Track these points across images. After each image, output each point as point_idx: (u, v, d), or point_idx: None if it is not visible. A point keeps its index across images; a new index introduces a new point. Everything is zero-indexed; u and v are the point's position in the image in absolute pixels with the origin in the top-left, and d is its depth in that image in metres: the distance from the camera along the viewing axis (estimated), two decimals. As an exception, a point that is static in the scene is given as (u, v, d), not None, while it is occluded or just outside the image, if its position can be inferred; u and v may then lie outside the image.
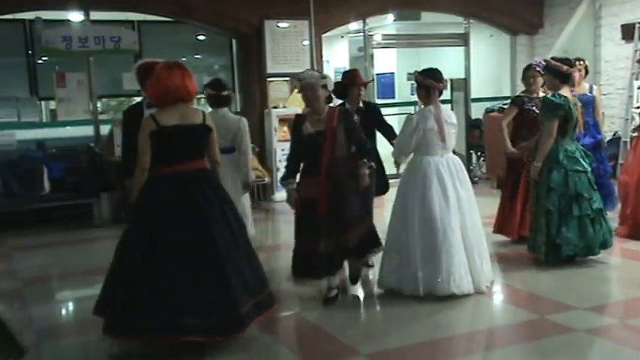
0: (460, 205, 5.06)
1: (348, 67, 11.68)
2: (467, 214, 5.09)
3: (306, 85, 4.84)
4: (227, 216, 4.26)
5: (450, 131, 5.16)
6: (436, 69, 5.27)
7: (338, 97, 5.81)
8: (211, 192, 4.25)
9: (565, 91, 5.68)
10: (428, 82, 5.12)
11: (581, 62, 7.26)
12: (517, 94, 7.46)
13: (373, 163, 5.15)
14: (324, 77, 4.91)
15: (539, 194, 5.71)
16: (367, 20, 10.97)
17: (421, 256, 4.97)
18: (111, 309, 4.09)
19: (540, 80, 6.34)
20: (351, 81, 5.81)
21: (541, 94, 6.39)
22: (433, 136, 5.06)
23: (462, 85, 11.04)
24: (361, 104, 5.86)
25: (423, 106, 5.23)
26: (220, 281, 4.05)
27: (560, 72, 5.70)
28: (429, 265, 4.94)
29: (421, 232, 5.00)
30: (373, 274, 5.90)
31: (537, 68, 6.40)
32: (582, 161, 5.67)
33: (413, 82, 12.92)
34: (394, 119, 12.56)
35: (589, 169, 5.71)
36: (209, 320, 3.97)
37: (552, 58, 5.97)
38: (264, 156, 9.85)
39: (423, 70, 5.24)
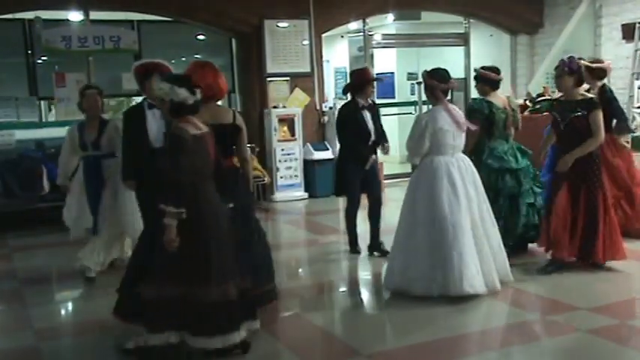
0: (471, 205, 5.06)
1: (348, 67, 11.70)
2: (478, 213, 5.10)
3: None
4: (246, 213, 4.46)
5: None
6: (442, 69, 5.30)
7: (347, 93, 6.54)
8: (238, 189, 4.41)
9: (494, 97, 5.97)
10: (430, 82, 5.17)
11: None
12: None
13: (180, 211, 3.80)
14: (161, 89, 3.96)
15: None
16: (367, 20, 10.95)
17: (432, 256, 4.96)
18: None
19: (569, 80, 5.52)
20: (364, 78, 6.27)
21: (579, 96, 5.59)
22: (443, 135, 5.06)
23: (462, 85, 11.02)
24: (370, 101, 6.35)
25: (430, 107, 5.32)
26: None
27: (489, 79, 6.04)
28: (440, 265, 4.94)
29: (431, 232, 4.99)
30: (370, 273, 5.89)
31: (565, 67, 5.56)
32: (511, 159, 5.88)
33: (412, 81, 13.04)
34: (394, 119, 12.60)
35: (522, 165, 5.94)
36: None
37: (482, 67, 6.22)
38: (263, 156, 9.84)
39: (430, 70, 5.28)
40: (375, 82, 6.36)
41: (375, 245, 6.39)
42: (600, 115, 5.43)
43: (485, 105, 5.92)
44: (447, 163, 5.09)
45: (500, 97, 6.12)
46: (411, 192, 5.21)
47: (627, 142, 7.02)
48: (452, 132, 5.09)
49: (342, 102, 7.31)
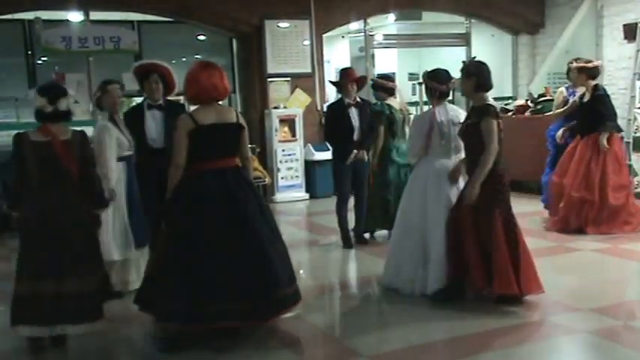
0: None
1: (348, 67, 11.71)
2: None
3: None
4: (263, 210, 4.45)
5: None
6: (442, 70, 5.26)
7: (338, 92, 6.94)
8: (248, 188, 4.41)
9: (392, 101, 6.71)
10: (430, 83, 5.18)
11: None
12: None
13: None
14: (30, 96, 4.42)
15: (378, 184, 6.68)
16: (368, 20, 10.96)
17: (421, 256, 5.00)
18: (159, 298, 4.24)
19: (467, 83, 4.92)
20: (344, 77, 6.63)
21: (479, 102, 4.92)
22: (439, 136, 5.05)
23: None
24: (358, 99, 6.62)
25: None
26: (262, 265, 4.21)
27: (385, 87, 6.80)
28: (427, 265, 4.96)
29: (421, 231, 5.02)
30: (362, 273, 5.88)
31: (463, 70, 4.97)
32: None
33: (414, 82, 13.02)
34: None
35: None
36: (248, 305, 4.15)
37: (378, 76, 7.17)
38: (264, 156, 9.82)
39: (430, 71, 5.26)
40: (355, 82, 6.57)
41: (357, 234, 6.86)
42: (493, 124, 4.68)
43: (386, 107, 6.67)
44: (442, 164, 5.07)
45: (396, 101, 6.82)
46: (407, 192, 5.27)
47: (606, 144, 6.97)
48: (448, 133, 5.06)
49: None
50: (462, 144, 5.17)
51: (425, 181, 5.07)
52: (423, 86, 5.36)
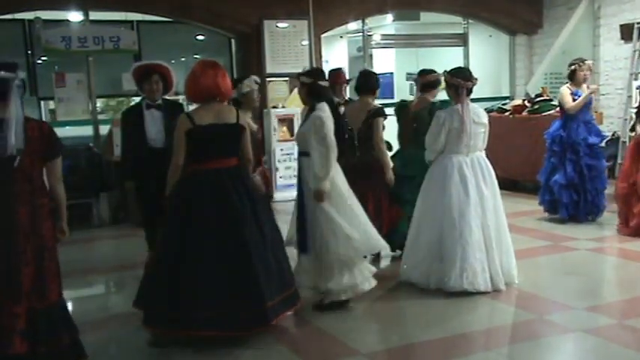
0: (483, 204, 5.12)
1: (347, 68, 11.73)
2: (490, 214, 5.14)
3: None
4: (257, 213, 4.37)
5: (477, 130, 5.19)
6: (465, 68, 5.43)
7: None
8: (243, 190, 4.36)
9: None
10: (455, 80, 5.18)
11: (589, 63, 7.43)
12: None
13: None
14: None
15: None
16: (366, 20, 10.99)
17: (437, 251, 5.10)
18: (146, 301, 4.29)
19: None
20: (333, 79, 6.32)
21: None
22: (459, 134, 5.11)
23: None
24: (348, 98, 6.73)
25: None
26: (246, 277, 4.18)
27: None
28: (443, 260, 5.06)
29: (438, 227, 5.11)
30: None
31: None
32: None
33: (412, 82, 13.02)
34: (393, 119, 12.60)
35: None
36: (230, 314, 4.13)
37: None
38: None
39: (451, 70, 5.30)
40: (343, 84, 6.68)
41: None
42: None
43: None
44: (459, 161, 5.15)
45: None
46: (424, 189, 5.33)
47: None
48: (468, 131, 5.12)
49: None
50: (480, 143, 5.26)
51: (444, 177, 5.13)
52: (445, 85, 5.32)
